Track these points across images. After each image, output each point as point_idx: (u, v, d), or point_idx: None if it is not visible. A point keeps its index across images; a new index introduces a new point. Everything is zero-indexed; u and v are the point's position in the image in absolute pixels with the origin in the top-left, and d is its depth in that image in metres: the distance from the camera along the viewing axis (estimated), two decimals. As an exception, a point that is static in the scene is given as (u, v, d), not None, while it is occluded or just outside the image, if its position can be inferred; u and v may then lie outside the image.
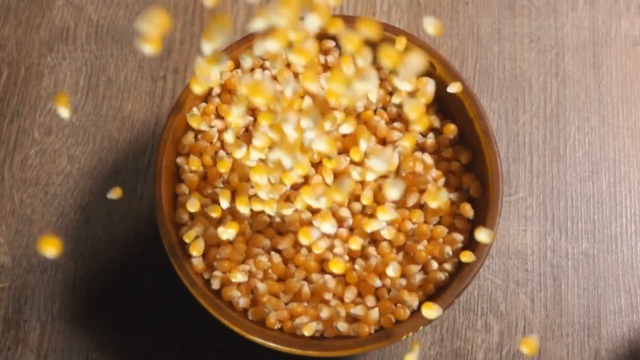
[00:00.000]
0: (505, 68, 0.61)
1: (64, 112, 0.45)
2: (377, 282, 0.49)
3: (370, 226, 0.49)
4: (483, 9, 0.62)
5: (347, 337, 0.49)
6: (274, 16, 0.40)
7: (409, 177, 0.51)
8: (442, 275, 0.49)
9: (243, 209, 0.49)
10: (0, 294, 0.56)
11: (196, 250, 0.49)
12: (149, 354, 0.55)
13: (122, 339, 0.55)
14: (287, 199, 0.50)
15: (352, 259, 0.50)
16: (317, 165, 0.51)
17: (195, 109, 0.52)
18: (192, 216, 0.51)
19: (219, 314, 0.48)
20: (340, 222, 0.50)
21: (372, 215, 0.50)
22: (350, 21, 0.52)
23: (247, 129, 0.52)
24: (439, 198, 0.47)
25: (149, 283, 0.56)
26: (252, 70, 0.53)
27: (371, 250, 0.50)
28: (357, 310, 0.48)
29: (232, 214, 0.50)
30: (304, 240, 0.46)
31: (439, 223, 0.51)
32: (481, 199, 0.50)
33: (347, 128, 0.49)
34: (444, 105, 0.53)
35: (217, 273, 0.49)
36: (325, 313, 0.48)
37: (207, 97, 0.53)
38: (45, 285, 0.56)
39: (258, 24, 0.41)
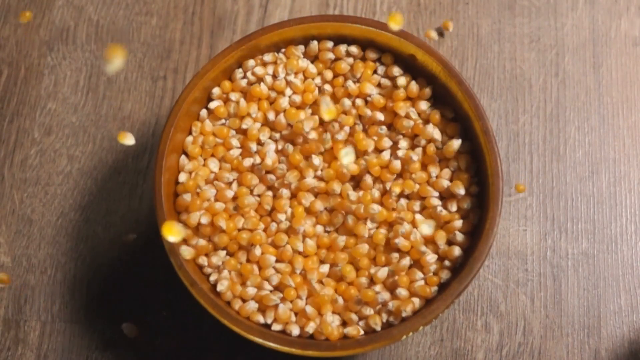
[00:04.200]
0: (505, 68, 0.61)
1: None
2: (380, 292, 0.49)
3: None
4: (483, 9, 0.62)
5: (346, 337, 0.49)
6: None
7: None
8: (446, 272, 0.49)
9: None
10: (0, 294, 0.56)
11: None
12: (149, 354, 0.55)
13: (122, 339, 0.55)
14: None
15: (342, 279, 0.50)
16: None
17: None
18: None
19: (219, 314, 0.48)
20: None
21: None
22: (348, 21, 0.52)
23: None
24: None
25: (148, 283, 0.56)
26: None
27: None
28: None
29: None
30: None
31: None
32: (481, 199, 0.51)
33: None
34: (444, 105, 0.53)
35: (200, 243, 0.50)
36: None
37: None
38: (45, 285, 0.56)
39: None
